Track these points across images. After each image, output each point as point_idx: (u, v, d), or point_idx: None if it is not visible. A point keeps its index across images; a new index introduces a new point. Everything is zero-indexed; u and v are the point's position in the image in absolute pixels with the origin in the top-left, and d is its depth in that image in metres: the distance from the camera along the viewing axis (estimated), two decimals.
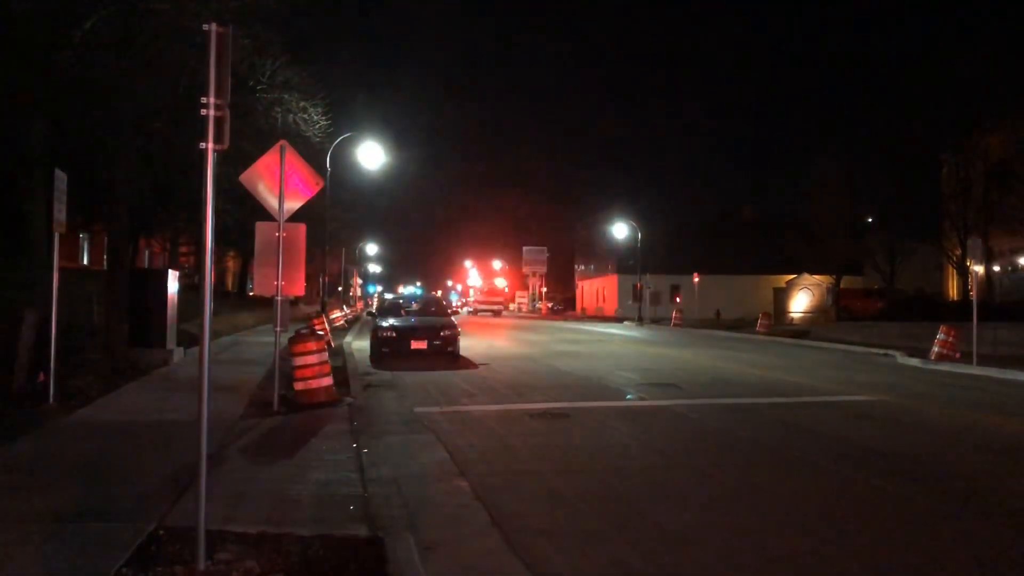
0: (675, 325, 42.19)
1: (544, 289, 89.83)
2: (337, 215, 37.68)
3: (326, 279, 31.23)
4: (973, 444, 9.29)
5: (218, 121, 4.80)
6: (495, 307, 66.78)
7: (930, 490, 7.04)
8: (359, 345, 23.73)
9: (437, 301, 27.08)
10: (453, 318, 21.23)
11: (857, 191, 43.51)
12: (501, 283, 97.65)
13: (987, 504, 6.67)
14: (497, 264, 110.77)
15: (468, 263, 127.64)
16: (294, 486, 6.67)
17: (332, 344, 21.17)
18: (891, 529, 5.92)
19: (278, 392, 10.90)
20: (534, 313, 79.73)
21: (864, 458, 8.38)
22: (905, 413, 11.52)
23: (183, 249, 39.08)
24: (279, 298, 10.50)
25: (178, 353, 16.17)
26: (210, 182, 4.79)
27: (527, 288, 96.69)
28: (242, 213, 22.69)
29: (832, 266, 46.19)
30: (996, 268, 40.59)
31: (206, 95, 4.79)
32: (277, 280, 10.41)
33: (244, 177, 10.42)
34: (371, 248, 74.90)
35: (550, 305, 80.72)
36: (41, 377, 10.75)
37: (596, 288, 74.83)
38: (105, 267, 18.43)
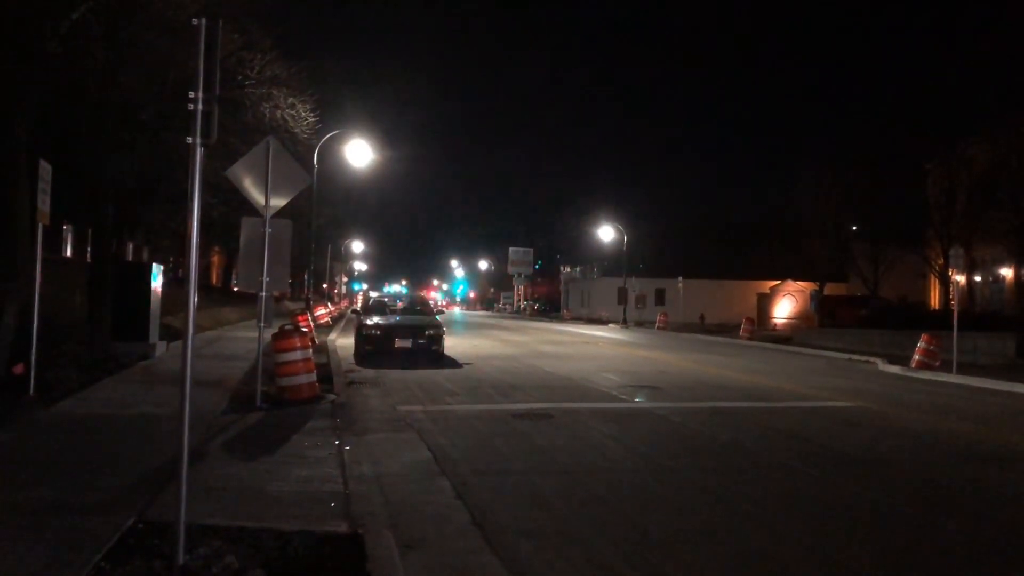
0: (660, 328, 42.32)
1: (524, 289, 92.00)
2: (324, 212, 37.54)
3: (311, 276, 31.10)
4: (948, 451, 9.39)
5: (205, 115, 4.79)
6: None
7: (906, 495, 7.13)
8: (343, 343, 23.68)
9: (422, 300, 27.05)
10: (438, 317, 21.24)
11: (842, 198, 43.77)
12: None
13: (961, 507, 6.76)
14: (479, 265, 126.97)
15: (454, 263, 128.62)
16: (275, 482, 6.67)
17: (316, 341, 21.12)
18: (867, 531, 5.99)
19: (261, 388, 10.87)
20: (518, 314, 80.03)
21: (842, 463, 8.47)
22: (883, 419, 11.63)
23: (167, 243, 38.80)
24: (263, 294, 10.45)
25: (161, 347, 16.08)
26: (197, 176, 4.77)
27: (512, 289, 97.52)
28: (228, 208, 22.60)
29: (816, 272, 46.46)
30: (978, 278, 40.93)
31: (194, 89, 4.78)
32: (262, 276, 10.37)
33: (230, 172, 10.39)
34: (357, 246, 74.72)
35: (535, 306, 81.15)
36: (20, 368, 10.65)
37: (581, 290, 74.94)
38: (89, 259, 18.29)
